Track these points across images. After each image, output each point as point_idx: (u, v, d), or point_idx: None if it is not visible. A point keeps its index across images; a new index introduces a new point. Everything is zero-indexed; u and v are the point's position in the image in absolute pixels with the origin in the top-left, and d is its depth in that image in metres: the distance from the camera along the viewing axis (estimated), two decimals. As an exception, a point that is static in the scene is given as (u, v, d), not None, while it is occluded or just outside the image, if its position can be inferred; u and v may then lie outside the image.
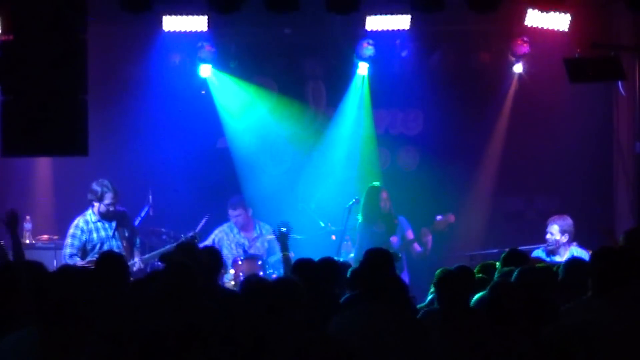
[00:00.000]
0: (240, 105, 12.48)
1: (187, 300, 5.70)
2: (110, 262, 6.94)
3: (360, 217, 11.06)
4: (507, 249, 7.82)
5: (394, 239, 10.83)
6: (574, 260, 6.89)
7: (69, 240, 9.99)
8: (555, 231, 9.80)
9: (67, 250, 9.95)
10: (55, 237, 11.24)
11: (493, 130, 12.49)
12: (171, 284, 5.82)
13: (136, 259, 10.10)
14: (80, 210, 10.20)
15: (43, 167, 12.04)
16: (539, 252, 10.02)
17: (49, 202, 12.10)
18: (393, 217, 11.01)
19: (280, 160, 12.50)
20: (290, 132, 12.50)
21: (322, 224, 11.58)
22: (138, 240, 10.30)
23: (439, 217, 10.93)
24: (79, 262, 9.70)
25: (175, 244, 10.05)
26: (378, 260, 6.21)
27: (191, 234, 10.27)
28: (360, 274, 6.24)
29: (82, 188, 10.32)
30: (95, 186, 9.99)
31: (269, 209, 11.99)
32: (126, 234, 10.09)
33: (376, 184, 11.34)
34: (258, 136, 12.54)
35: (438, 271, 6.35)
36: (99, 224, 10.02)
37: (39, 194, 12.15)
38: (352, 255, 10.95)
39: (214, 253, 7.55)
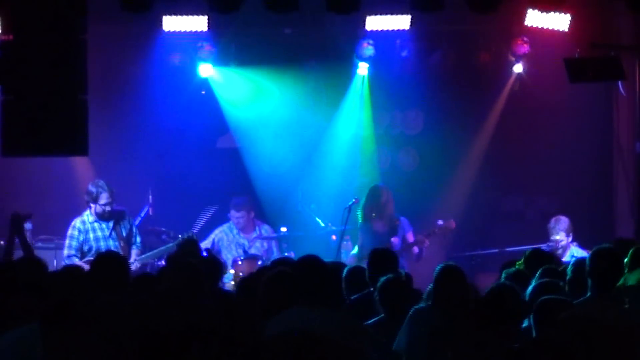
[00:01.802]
0: (243, 98, 12.47)
1: (191, 300, 5.69)
2: (108, 263, 6.92)
3: (360, 216, 11.05)
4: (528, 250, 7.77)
5: (395, 240, 10.82)
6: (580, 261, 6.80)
7: (67, 242, 10.02)
8: (562, 236, 9.95)
9: (66, 252, 9.98)
10: (55, 237, 11.25)
11: (493, 130, 12.49)
12: (180, 283, 5.81)
13: (134, 259, 10.07)
14: (80, 209, 10.20)
15: (43, 167, 12.02)
16: (540, 252, 10.07)
17: (49, 202, 12.09)
18: (394, 217, 11.01)
19: (281, 159, 12.49)
20: (291, 130, 12.51)
21: (322, 224, 11.57)
22: (139, 239, 10.27)
23: (440, 222, 10.93)
24: (77, 262, 9.70)
25: (173, 243, 10.06)
26: (316, 265, 5.90)
27: (189, 233, 10.25)
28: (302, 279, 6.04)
29: (82, 188, 10.32)
30: (91, 187, 10.00)
31: (269, 209, 11.99)
32: (124, 234, 10.07)
33: (378, 183, 11.33)
34: (259, 135, 12.54)
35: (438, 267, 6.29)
36: (96, 225, 10.02)
37: (39, 194, 12.15)
38: (354, 252, 10.94)
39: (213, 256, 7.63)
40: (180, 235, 10.21)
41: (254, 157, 12.52)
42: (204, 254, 8.23)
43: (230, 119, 12.52)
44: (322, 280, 5.76)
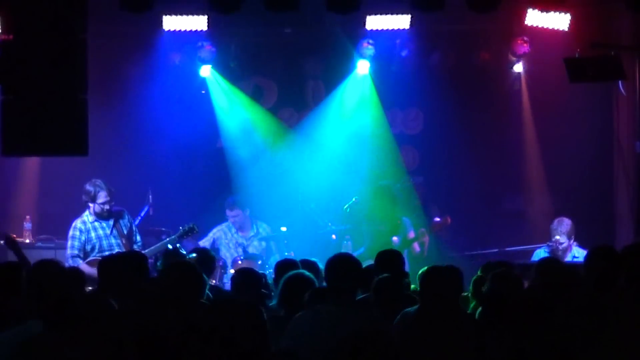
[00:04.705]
0: (235, 106, 12.47)
1: (191, 300, 5.69)
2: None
3: (367, 214, 11.11)
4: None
5: (394, 239, 10.87)
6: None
7: (69, 243, 10.01)
8: (563, 239, 10.01)
9: (69, 252, 9.96)
10: (55, 237, 11.24)
11: (493, 130, 12.49)
12: (177, 282, 5.81)
13: None
14: (81, 209, 10.20)
15: (43, 166, 12.03)
16: (541, 252, 10.09)
17: (49, 202, 12.09)
18: (397, 217, 11.06)
19: (279, 161, 12.49)
20: (291, 130, 12.51)
21: (322, 224, 11.57)
22: (139, 238, 10.27)
23: (437, 219, 11.02)
24: (81, 263, 9.71)
25: (175, 235, 10.05)
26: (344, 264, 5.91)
27: (190, 224, 10.20)
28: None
29: (82, 187, 10.32)
30: (89, 187, 10.00)
31: (269, 209, 11.98)
32: (125, 232, 10.08)
33: (383, 182, 11.34)
34: (256, 136, 12.54)
35: (423, 269, 6.08)
36: (97, 224, 10.02)
37: (39, 194, 12.15)
38: (359, 252, 10.96)
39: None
40: (181, 227, 10.19)
41: (252, 157, 12.51)
42: (193, 254, 8.25)
43: (225, 119, 12.52)
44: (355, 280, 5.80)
